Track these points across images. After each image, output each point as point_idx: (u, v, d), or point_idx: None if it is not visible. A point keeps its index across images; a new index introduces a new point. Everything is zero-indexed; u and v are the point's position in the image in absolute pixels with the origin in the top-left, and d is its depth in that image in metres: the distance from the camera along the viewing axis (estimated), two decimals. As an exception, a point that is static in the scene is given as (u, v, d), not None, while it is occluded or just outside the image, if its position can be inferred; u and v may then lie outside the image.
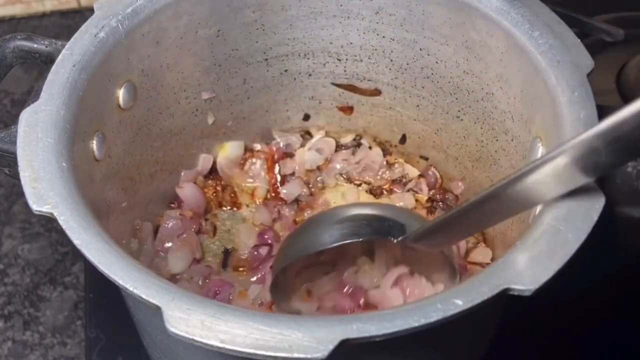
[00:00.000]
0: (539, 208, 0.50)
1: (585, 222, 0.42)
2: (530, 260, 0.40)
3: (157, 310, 0.39)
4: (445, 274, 0.56)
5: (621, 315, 0.69)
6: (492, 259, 0.65)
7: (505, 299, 0.40)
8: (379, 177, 0.74)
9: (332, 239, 0.55)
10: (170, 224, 0.67)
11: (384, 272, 0.59)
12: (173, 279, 0.65)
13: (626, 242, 0.57)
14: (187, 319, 0.38)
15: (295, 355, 0.37)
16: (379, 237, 0.55)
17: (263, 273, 0.67)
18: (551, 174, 0.40)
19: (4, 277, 0.82)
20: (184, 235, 0.67)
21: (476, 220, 0.47)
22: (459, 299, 0.38)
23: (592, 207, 0.43)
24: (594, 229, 0.42)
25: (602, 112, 0.48)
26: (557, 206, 0.43)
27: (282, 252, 0.59)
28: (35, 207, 0.44)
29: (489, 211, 0.45)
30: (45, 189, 0.45)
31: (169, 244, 0.66)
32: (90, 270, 0.74)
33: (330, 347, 0.37)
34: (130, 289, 0.40)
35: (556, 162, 0.39)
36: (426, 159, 0.73)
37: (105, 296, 0.71)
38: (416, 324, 0.38)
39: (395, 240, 0.54)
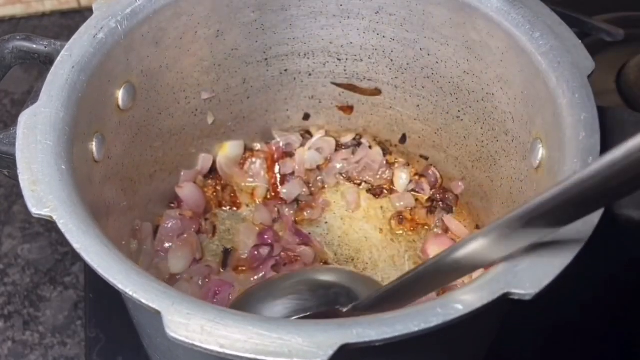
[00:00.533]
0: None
1: (586, 225, 0.42)
2: (530, 264, 0.40)
3: (156, 314, 0.39)
4: None
5: (622, 317, 0.69)
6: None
7: (505, 304, 0.40)
8: (378, 176, 0.74)
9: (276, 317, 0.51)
10: (170, 224, 0.67)
11: None
12: (173, 279, 0.65)
13: (627, 244, 0.57)
14: (187, 323, 0.38)
15: (295, 360, 0.37)
16: (326, 307, 0.50)
17: (264, 273, 0.67)
18: (483, 247, 0.40)
19: (4, 277, 0.82)
20: (184, 235, 0.67)
21: (427, 284, 0.45)
22: (459, 304, 0.38)
23: (593, 210, 0.42)
24: (595, 231, 0.42)
25: (603, 113, 0.48)
26: (557, 209, 0.43)
27: None
28: (35, 210, 0.44)
29: (437, 278, 0.44)
30: (44, 191, 0.45)
31: (168, 244, 0.66)
32: (90, 270, 0.73)
33: (330, 352, 0.37)
34: (130, 293, 0.40)
35: (483, 240, 0.39)
36: (426, 158, 0.73)
37: (105, 296, 0.71)
38: (416, 329, 0.38)
39: (344, 310, 0.49)
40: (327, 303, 0.51)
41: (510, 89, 0.58)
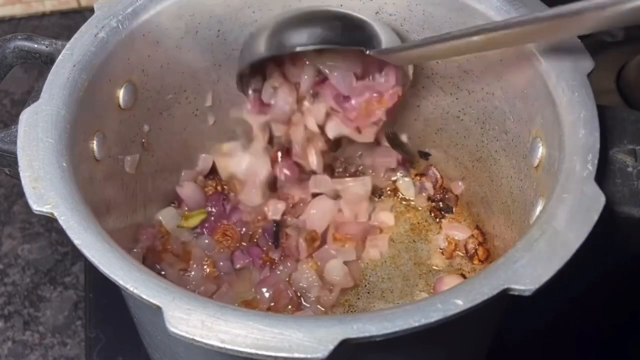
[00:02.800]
0: (539, 208, 0.50)
1: (585, 222, 0.42)
2: (530, 260, 0.40)
3: (157, 310, 0.39)
4: None
5: (621, 315, 0.69)
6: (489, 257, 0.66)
7: (505, 299, 0.40)
8: (384, 177, 0.74)
9: (301, 40, 0.56)
10: None
11: None
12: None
13: (626, 242, 0.57)
14: (187, 319, 0.38)
15: (296, 355, 0.37)
16: (353, 46, 0.56)
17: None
18: None
19: (4, 277, 0.82)
20: None
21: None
22: (460, 299, 0.39)
23: (592, 207, 0.43)
24: (594, 229, 0.42)
25: (602, 112, 0.48)
26: (557, 206, 0.43)
27: (248, 47, 0.61)
28: (36, 207, 0.44)
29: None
30: (45, 189, 0.45)
31: None
32: (90, 270, 0.74)
33: (331, 347, 0.37)
34: (131, 289, 0.40)
35: None
36: (426, 158, 0.73)
37: (105, 296, 0.71)
38: (416, 324, 0.38)
39: (369, 52, 0.56)
40: (354, 42, 0.56)
41: (510, 88, 0.58)
